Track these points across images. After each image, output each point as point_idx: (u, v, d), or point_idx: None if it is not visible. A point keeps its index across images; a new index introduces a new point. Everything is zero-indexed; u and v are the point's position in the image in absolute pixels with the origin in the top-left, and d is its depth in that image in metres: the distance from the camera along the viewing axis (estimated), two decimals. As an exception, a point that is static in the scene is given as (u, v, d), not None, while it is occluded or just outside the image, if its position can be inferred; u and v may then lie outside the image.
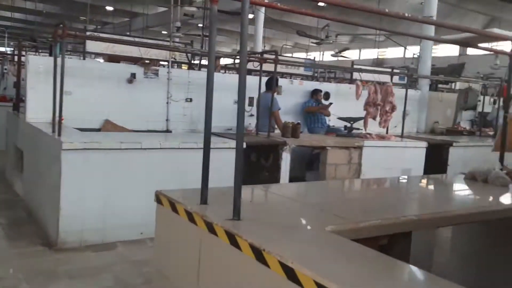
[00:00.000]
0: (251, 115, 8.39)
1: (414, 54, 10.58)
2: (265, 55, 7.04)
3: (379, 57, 21.96)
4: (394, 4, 18.23)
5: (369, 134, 7.22)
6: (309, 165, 7.29)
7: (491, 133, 9.55)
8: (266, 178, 6.53)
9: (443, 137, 8.76)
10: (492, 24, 20.42)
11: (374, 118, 7.67)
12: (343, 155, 6.76)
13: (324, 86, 9.04)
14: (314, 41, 13.60)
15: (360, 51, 25.39)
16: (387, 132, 7.95)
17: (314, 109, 8.37)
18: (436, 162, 7.75)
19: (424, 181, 3.98)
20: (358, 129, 7.44)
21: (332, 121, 8.65)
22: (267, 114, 6.93)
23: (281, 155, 6.22)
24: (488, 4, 16.13)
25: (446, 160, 7.90)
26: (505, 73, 12.41)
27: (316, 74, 9.65)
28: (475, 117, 10.58)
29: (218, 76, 8.41)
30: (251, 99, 8.36)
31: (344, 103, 8.92)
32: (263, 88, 7.07)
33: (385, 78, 9.83)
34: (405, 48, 11.84)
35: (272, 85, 7.21)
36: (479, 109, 10.24)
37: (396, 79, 10.44)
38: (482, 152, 8.43)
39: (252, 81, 8.51)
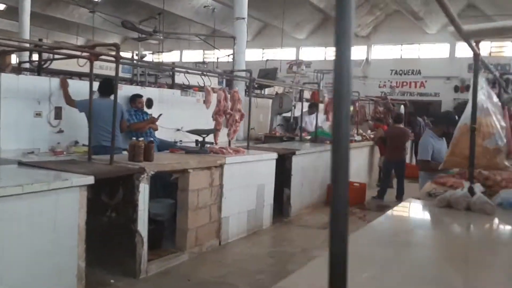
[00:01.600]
0: (60, 131, 6.29)
1: (228, 55, 9.91)
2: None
3: (204, 59, 20.89)
4: (177, 6, 17.45)
5: (224, 148, 6.08)
6: (160, 193, 5.71)
7: (308, 137, 9.58)
8: (113, 221, 4.72)
9: (285, 146, 8.26)
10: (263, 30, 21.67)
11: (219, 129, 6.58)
12: (205, 177, 5.45)
13: (145, 92, 7.47)
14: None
15: (181, 52, 23.85)
16: (229, 144, 6.95)
17: (141, 125, 6.76)
18: (281, 172, 7.16)
19: (407, 218, 3.05)
20: (210, 143, 6.22)
21: (165, 134, 7.20)
22: (109, 127, 5.13)
23: (138, 187, 4.53)
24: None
25: (290, 170, 7.40)
26: (319, 79, 13.01)
27: (135, 77, 7.95)
28: (290, 122, 10.54)
29: (10, 79, 5.97)
30: (58, 109, 6.24)
31: (169, 111, 7.59)
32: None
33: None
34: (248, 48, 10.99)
35: (110, 88, 5.45)
36: (295, 113, 10.23)
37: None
38: (316, 158, 8.30)
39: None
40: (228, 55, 9.96)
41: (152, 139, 5.38)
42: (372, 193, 9.49)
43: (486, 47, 17.66)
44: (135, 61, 7.25)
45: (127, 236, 4.60)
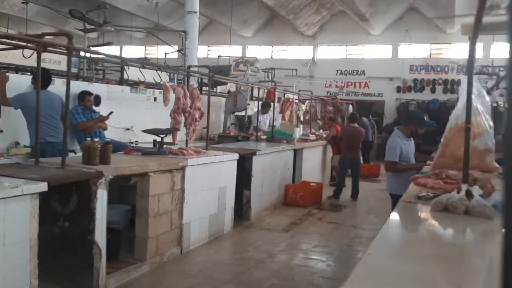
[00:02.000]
0: (-1, 131, 5.65)
1: (177, 50, 9.39)
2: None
3: (146, 55, 19.77)
4: (118, -2, 16.64)
5: (184, 149, 5.68)
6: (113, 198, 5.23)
7: (263, 136, 9.35)
8: (66, 231, 4.21)
9: (241, 146, 7.94)
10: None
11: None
12: (165, 180, 5.04)
13: (93, 88, 6.91)
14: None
15: (121, 48, 22.51)
16: (186, 144, 6.55)
17: (90, 124, 6.26)
18: (240, 173, 6.84)
19: (413, 226, 2.83)
20: (169, 143, 5.79)
21: (114, 134, 6.69)
22: (58, 124, 4.60)
23: (95, 193, 4.05)
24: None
25: (250, 171, 7.12)
26: (271, 77, 12.72)
27: (81, 72, 7.27)
28: (245, 121, 10.24)
29: None
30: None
31: (118, 109, 7.10)
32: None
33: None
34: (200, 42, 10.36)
35: (46, 80, 4.96)
36: (249, 112, 9.95)
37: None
38: (275, 158, 8.07)
39: None
40: (178, 51, 9.48)
41: (109, 139, 4.88)
42: (326, 193, 9.41)
43: (427, 49, 18.31)
44: (90, 54, 6.61)
45: (82, 248, 4.12)
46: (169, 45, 10.41)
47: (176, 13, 17.57)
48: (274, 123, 9.84)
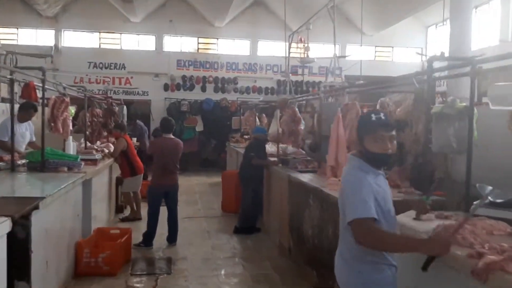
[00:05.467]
0: None
1: None
2: None
3: None
4: None
5: None
6: None
7: (22, 161, 5.59)
8: None
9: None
10: None
11: None
12: None
13: None
14: None
15: None
16: None
17: None
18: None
19: None
20: None
21: None
22: None
23: None
24: None
25: (27, 243, 3.57)
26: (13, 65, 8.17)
27: None
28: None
29: None
30: None
31: None
32: None
33: None
34: None
35: None
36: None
37: None
38: (62, 204, 4.61)
39: None
40: None
41: None
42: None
43: (194, 43, 16.48)
44: None
45: None
46: None
47: None
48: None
